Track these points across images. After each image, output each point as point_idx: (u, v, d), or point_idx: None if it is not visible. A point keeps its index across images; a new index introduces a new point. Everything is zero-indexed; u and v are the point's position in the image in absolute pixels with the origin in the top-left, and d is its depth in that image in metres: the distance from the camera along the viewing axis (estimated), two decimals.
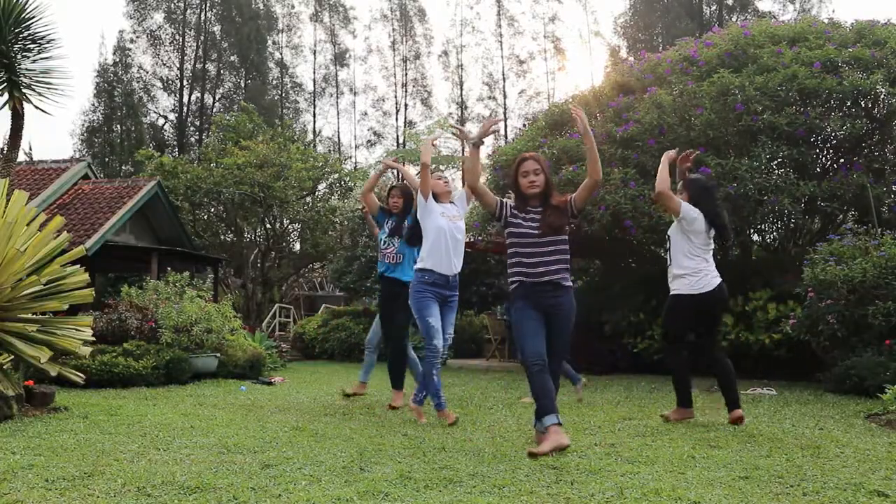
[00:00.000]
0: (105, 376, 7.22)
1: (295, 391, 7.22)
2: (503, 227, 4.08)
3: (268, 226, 19.14)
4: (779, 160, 8.70)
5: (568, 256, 3.95)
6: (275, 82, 37.58)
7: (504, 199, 4.10)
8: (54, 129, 60.86)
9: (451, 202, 5.11)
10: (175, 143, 34.34)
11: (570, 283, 3.97)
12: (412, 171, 6.91)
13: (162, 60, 35.26)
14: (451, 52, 36.96)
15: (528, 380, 3.79)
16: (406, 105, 37.11)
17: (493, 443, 3.96)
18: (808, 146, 8.76)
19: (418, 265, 4.95)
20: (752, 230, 10.54)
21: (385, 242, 5.68)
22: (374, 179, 6.10)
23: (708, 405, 5.94)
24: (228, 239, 20.13)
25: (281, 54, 37.97)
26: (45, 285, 5.28)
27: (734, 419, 4.68)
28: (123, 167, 31.32)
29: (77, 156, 25.90)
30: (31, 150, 31.08)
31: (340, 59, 38.46)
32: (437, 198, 4.99)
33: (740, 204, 8.32)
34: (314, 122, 37.97)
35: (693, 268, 4.84)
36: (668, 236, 5.10)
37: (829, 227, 9.76)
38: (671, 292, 4.97)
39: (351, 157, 36.76)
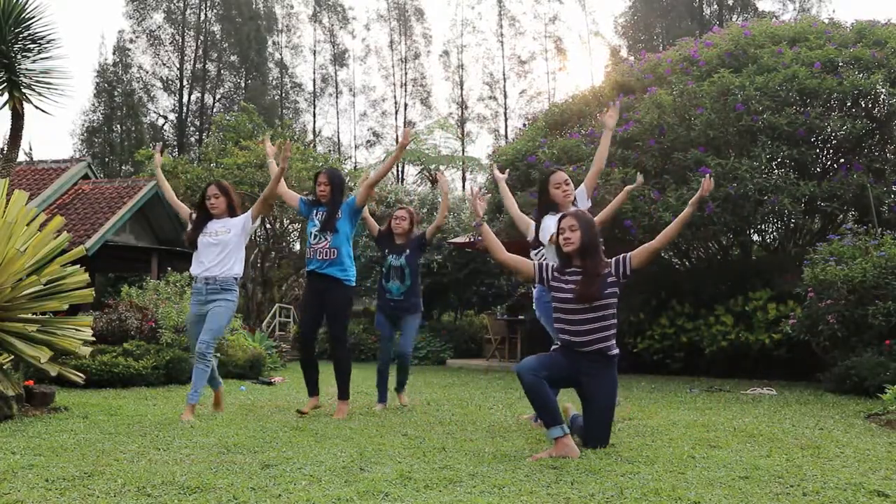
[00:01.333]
0: (105, 376, 7.23)
1: (295, 391, 7.21)
2: (548, 291, 3.90)
3: (268, 226, 19.14)
4: (779, 160, 8.70)
5: (614, 321, 3.73)
6: (275, 82, 37.62)
7: (542, 262, 3.93)
8: (54, 129, 60.91)
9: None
10: (175, 143, 34.37)
11: (616, 353, 3.75)
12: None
13: (162, 60, 35.34)
14: (452, 52, 37.01)
15: (525, 394, 3.64)
16: (406, 105, 37.14)
17: (493, 443, 3.95)
18: (808, 146, 8.75)
19: None
20: (752, 230, 10.53)
21: (316, 237, 5.16)
22: (283, 162, 5.09)
23: (707, 405, 5.94)
24: None
25: (281, 54, 38.03)
26: (45, 285, 5.28)
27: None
28: (123, 167, 31.40)
29: (77, 156, 25.89)
30: (31, 150, 31.20)
31: (339, 59, 38.50)
32: (556, 208, 4.62)
33: (740, 204, 8.31)
34: (314, 122, 38.05)
35: None
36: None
37: (829, 227, 9.75)
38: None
39: (351, 157, 36.81)
